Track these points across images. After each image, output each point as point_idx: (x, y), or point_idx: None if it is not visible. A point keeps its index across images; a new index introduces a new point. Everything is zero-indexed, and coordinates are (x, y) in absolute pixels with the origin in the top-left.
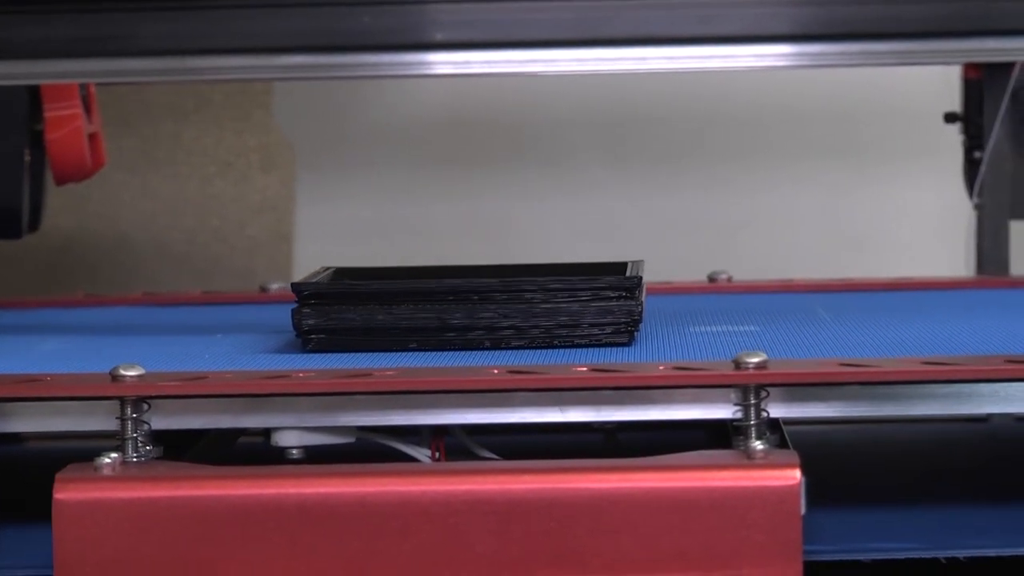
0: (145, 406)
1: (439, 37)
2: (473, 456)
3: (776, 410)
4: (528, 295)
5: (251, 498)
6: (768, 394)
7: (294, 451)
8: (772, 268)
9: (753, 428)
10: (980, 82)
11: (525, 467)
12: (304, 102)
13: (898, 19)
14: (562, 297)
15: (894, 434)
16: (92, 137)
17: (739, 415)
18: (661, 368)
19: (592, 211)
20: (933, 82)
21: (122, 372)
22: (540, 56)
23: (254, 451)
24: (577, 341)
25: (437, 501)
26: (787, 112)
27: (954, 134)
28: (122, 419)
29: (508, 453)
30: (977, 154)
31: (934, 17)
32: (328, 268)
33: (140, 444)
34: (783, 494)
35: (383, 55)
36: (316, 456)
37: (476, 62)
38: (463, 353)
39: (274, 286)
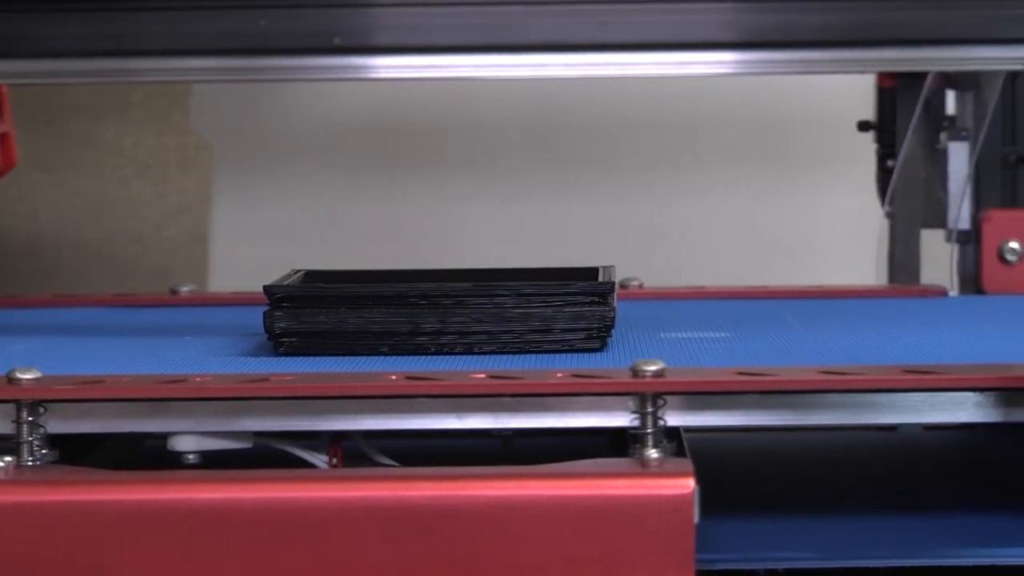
0: (41, 409)
1: (337, 42)
2: (371, 462)
3: (675, 418)
4: (501, 300)
5: (144, 503)
6: (665, 402)
7: (191, 456)
8: (693, 274)
9: (650, 436)
10: (893, 91)
11: (420, 474)
12: (222, 104)
13: (811, 28)
14: (535, 302)
15: (802, 442)
16: (3, 137)
17: (636, 423)
18: (559, 375)
19: (514, 215)
20: (854, 90)
21: (18, 375)
22: (445, 61)
23: (157, 455)
24: (549, 346)
25: (331, 507)
26: (709, 119)
27: (871, 142)
28: (17, 422)
29: (408, 458)
30: (890, 162)
31: (847, 26)
32: (298, 271)
33: (36, 448)
34: (676, 502)
35: (296, 59)
36: (214, 461)
37: (381, 67)
38: (435, 358)
39: (184, 289)
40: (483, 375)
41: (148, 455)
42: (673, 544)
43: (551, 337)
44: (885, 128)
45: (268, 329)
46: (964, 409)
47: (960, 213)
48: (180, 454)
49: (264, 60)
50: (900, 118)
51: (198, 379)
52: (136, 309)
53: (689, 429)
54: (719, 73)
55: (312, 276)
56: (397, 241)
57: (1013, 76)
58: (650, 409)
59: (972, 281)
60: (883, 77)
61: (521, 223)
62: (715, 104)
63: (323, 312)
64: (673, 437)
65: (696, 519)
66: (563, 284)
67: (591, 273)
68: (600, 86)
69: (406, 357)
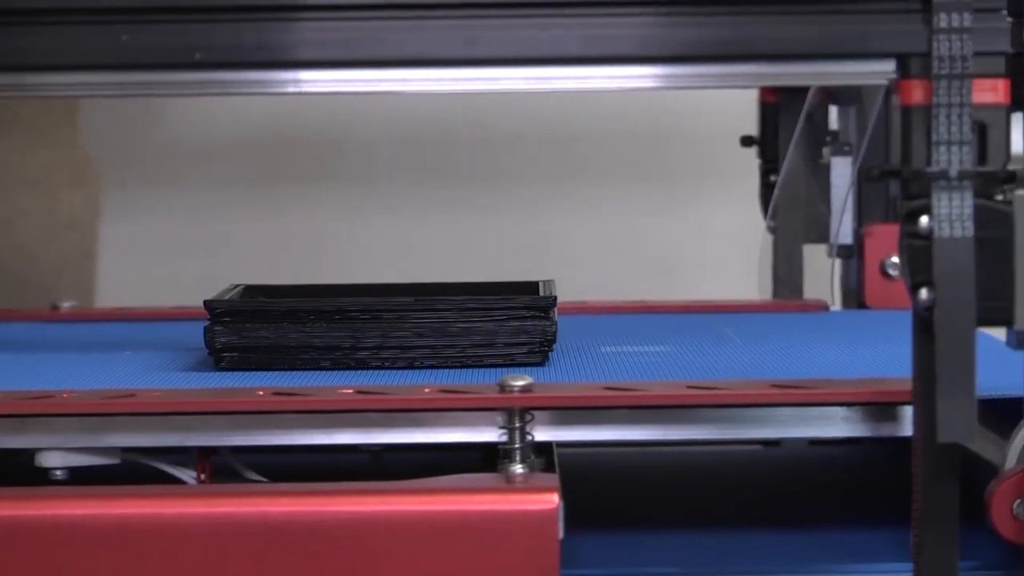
0: None
1: (198, 56)
2: (240, 478)
3: (546, 434)
4: (443, 314)
5: (8, 519)
6: (533, 417)
7: (58, 472)
8: (577, 289)
9: (518, 451)
10: (776, 106)
11: (285, 490)
12: (111, 119)
13: (692, 43)
14: (477, 317)
15: (684, 457)
16: None
17: (504, 438)
18: (427, 391)
19: (403, 231)
20: (739, 104)
21: None
22: (320, 76)
23: (31, 471)
24: (491, 361)
25: (197, 523)
26: (593, 133)
27: (755, 157)
28: None
29: (280, 473)
30: (773, 177)
31: (729, 41)
32: (237, 285)
33: None
34: (541, 518)
35: (160, 74)
36: (84, 477)
37: (235, 82)
38: (375, 372)
39: (66, 304)
40: (351, 390)
41: (23, 471)
42: (537, 559)
43: (493, 352)
44: (768, 143)
45: (209, 344)
46: (833, 424)
47: (842, 228)
48: (47, 470)
49: (129, 75)
50: (782, 133)
51: (64, 395)
52: (64, 324)
53: (570, 444)
54: (598, 88)
55: (252, 291)
56: (285, 256)
57: (887, 92)
58: (518, 424)
59: (855, 296)
60: (765, 92)
61: (406, 238)
62: (599, 118)
63: (264, 327)
64: (544, 452)
65: (561, 534)
66: (505, 298)
67: (531, 287)
68: (485, 101)
69: (347, 372)
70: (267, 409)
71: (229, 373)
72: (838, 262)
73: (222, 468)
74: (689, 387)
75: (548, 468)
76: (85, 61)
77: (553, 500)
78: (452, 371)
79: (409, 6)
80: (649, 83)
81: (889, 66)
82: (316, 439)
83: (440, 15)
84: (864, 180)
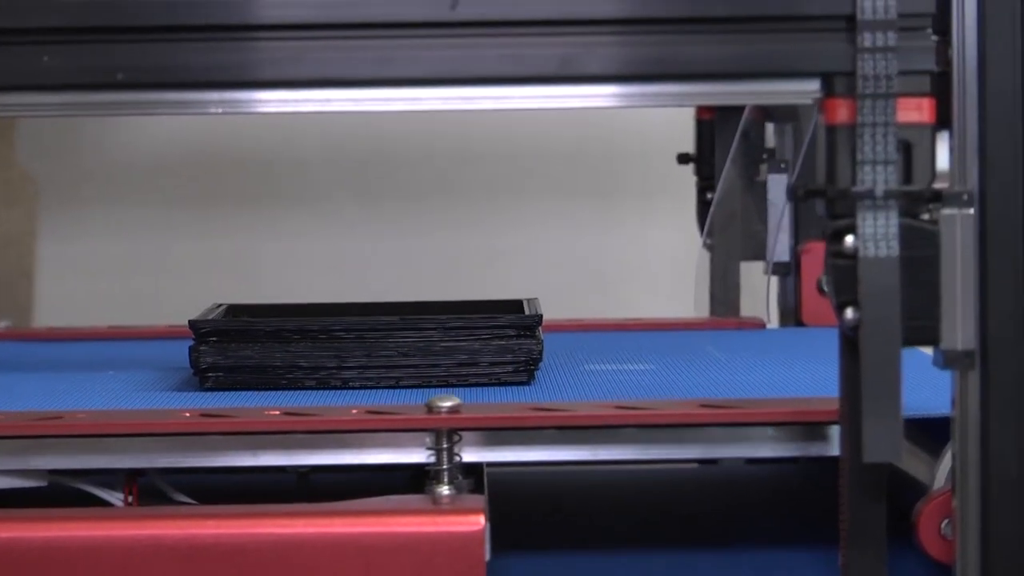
0: None
1: (120, 77)
2: (168, 500)
3: (474, 454)
4: (428, 333)
5: None
6: (461, 438)
7: None
8: None
9: (445, 472)
10: (712, 123)
11: (212, 512)
12: (48, 137)
13: (615, 63)
14: (462, 336)
15: (620, 476)
16: None
17: (432, 459)
18: (354, 412)
19: (342, 250)
20: (678, 122)
21: None
22: (250, 97)
23: None
24: (476, 380)
25: (123, 546)
26: (533, 151)
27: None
28: None
29: (209, 494)
30: (709, 195)
31: (654, 60)
32: (220, 305)
33: None
34: (466, 540)
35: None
36: (9, 500)
37: (157, 102)
38: (360, 392)
39: (1, 324)
40: (277, 411)
41: None
42: None
43: (478, 371)
44: (704, 160)
45: (194, 364)
46: (761, 443)
47: (779, 245)
48: None
49: (50, 96)
50: (719, 150)
51: None
52: (43, 343)
53: (503, 464)
54: (517, 108)
55: (235, 310)
56: (226, 275)
57: None
58: (445, 445)
59: (792, 313)
60: (701, 110)
61: (343, 256)
62: (540, 136)
63: (249, 347)
64: (474, 473)
65: (487, 556)
66: (490, 317)
67: (516, 306)
68: (424, 119)
69: (331, 392)
70: (193, 431)
71: (215, 393)
72: (775, 279)
73: (151, 490)
74: (617, 407)
75: (477, 489)
76: (6, 82)
77: (479, 522)
78: (435, 391)
79: (331, 26)
80: (574, 103)
81: (814, 85)
82: (243, 460)
83: (357, 35)
84: (789, 199)
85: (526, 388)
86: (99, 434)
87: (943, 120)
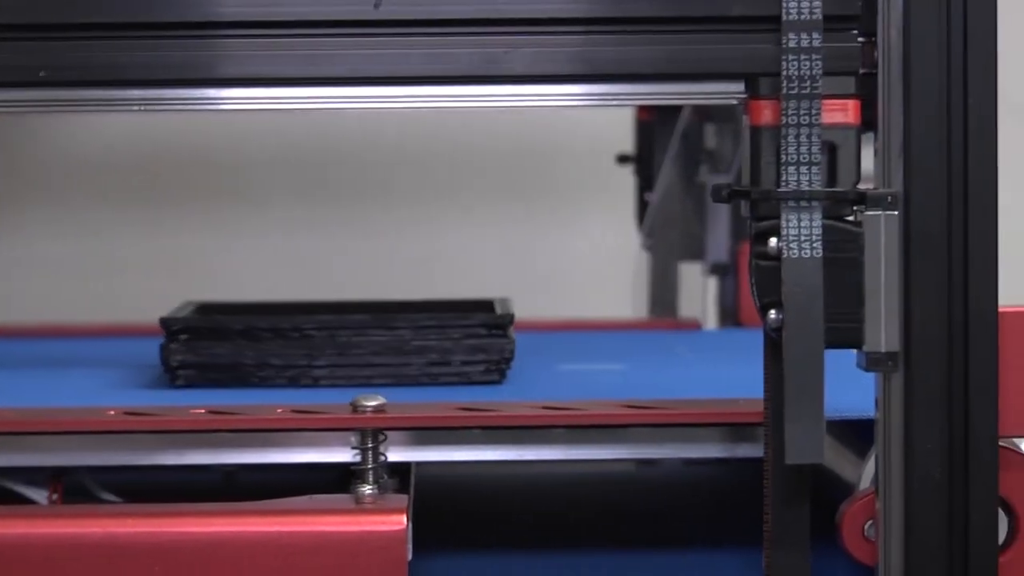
0: None
1: (42, 75)
2: (94, 498)
3: (401, 454)
4: (399, 332)
5: None
6: (386, 437)
7: None
8: None
9: (370, 472)
10: (651, 124)
11: (135, 511)
12: None
13: (537, 63)
14: (433, 335)
15: (557, 476)
16: None
17: (358, 459)
18: (279, 411)
19: (287, 249)
20: (620, 123)
21: None
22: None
23: None
24: (448, 379)
25: (45, 544)
26: (476, 151)
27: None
28: None
29: (134, 492)
30: (648, 195)
31: (578, 61)
32: (190, 303)
33: None
34: (388, 539)
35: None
36: None
37: (81, 100)
38: (330, 390)
39: None
40: (202, 410)
41: None
42: None
43: (449, 370)
44: (643, 161)
45: (164, 361)
46: (687, 444)
47: (717, 246)
48: None
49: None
50: (658, 151)
51: None
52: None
53: (436, 464)
54: (463, 107)
55: (206, 308)
56: (172, 276)
57: None
58: (370, 444)
59: (731, 314)
60: (642, 110)
61: (287, 255)
62: (481, 136)
63: (220, 344)
64: (401, 473)
65: (410, 555)
66: (462, 316)
67: (487, 306)
68: (365, 118)
69: (303, 390)
70: (118, 429)
71: (184, 391)
72: (713, 280)
73: (77, 488)
74: (544, 408)
75: (402, 489)
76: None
77: (401, 521)
78: (406, 389)
79: (255, 24)
80: (498, 103)
81: (740, 86)
82: (168, 459)
83: (281, 34)
84: (713, 200)
85: (498, 388)
86: (23, 432)
87: (868, 122)
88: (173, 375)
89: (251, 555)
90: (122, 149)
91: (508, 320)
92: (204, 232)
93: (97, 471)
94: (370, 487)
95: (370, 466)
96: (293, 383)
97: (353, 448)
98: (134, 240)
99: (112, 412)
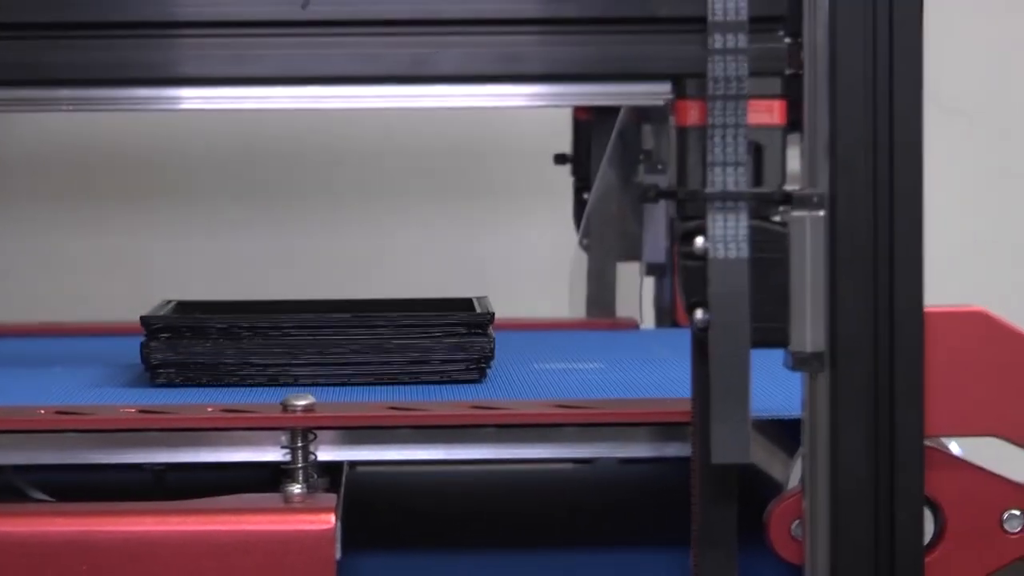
0: None
1: None
2: (25, 497)
3: (332, 453)
4: (380, 331)
5: None
6: (316, 436)
7: None
8: None
9: (300, 471)
10: (589, 124)
11: (63, 510)
12: None
13: (462, 63)
14: (414, 333)
15: (492, 476)
16: None
17: (288, 458)
18: (210, 410)
19: (223, 248)
20: (559, 123)
21: None
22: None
23: None
24: (428, 378)
25: None
26: (415, 151)
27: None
28: None
29: (65, 492)
30: (586, 195)
31: (504, 61)
32: (169, 301)
33: None
34: (317, 538)
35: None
36: None
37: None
38: (311, 388)
39: None
40: (133, 409)
41: None
42: None
43: (429, 368)
44: (581, 161)
45: (145, 360)
46: (617, 444)
47: (654, 246)
48: None
49: None
50: (595, 151)
51: None
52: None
53: (371, 463)
54: (391, 107)
55: (185, 307)
56: (109, 274)
57: None
58: (300, 444)
59: (668, 314)
60: (579, 110)
61: (227, 255)
62: (421, 135)
63: (201, 343)
64: (332, 472)
65: (338, 555)
66: (442, 315)
67: (465, 304)
68: (303, 117)
69: (282, 388)
70: (49, 428)
71: (165, 389)
72: (650, 280)
73: (6, 487)
74: (473, 407)
75: (333, 488)
76: None
77: (330, 520)
78: (392, 387)
79: (182, 24)
80: (426, 103)
81: (666, 87)
82: (99, 458)
83: (209, 34)
84: (640, 201)
85: (478, 386)
86: None
87: (795, 122)
88: (153, 373)
89: (180, 554)
90: (52, 148)
91: (488, 319)
92: (141, 231)
93: (27, 470)
94: (299, 486)
95: (300, 465)
96: (273, 382)
97: (283, 447)
98: (67, 239)
99: (43, 411)
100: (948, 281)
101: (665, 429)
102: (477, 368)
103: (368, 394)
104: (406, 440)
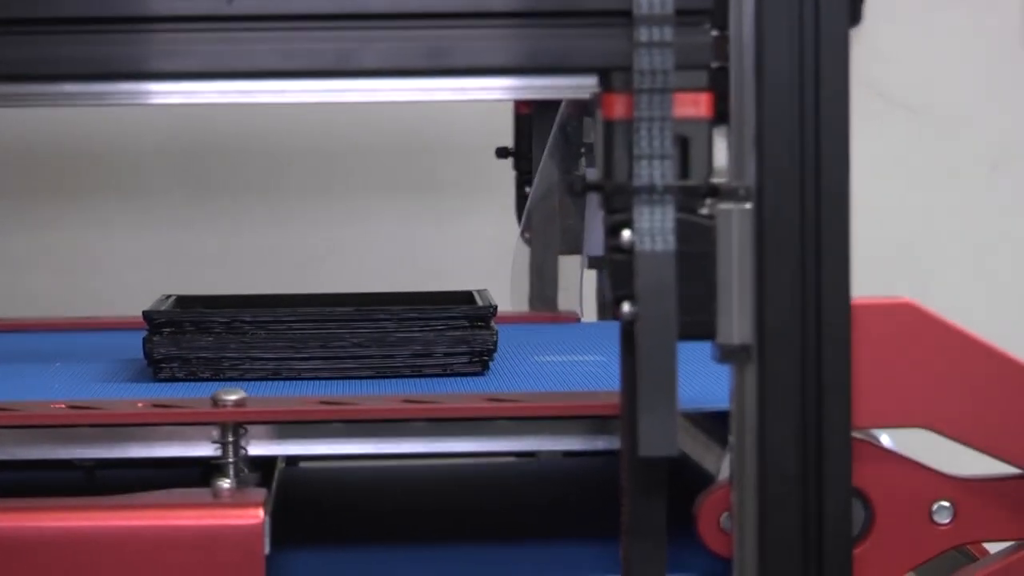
0: None
1: None
2: None
3: (263, 448)
4: (382, 324)
5: None
6: (246, 431)
7: None
8: None
9: (231, 466)
10: (530, 117)
11: None
12: None
13: (386, 56)
14: (416, 327)
15: (432, 470)
16: None
17: (219, 453)
18: (140, 405)
19: (173, 244)
20: (503, 117)
21: None
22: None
23: None
24: (431, 371)
25: None
26: (357, 146)
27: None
28: None
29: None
30: (527, 188)
31: (429, 54)
32: (169, 296)
33: None
34: (245, 533)
35: None
36: None
37: None
38: (314, 382)
39: None
40: (63, 405)
41: None
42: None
43: (432, 361)
44: (522, 155)
45: (148, 355)
46: (548, 436)
47: (595, 240)
48: None
49: None
50: (537, 145)
51: None
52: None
53: (307, 459)
54: (317, 101)
55: (185, 301)
56: (52, 271)
57: None
58: (230, 439)
59: (610, 307)
60: (520, 104)
61: (178, 252)
62: (366, 130)
63: (203, 338)
64: (264, 467)
65: (267, 550)
66: (445, 308)
67: (466, 297)
68: (250, 112)
69: (285, 382)
70: None
71: (168, 384)
72: (591, 273)
73: None
74: (404, 401)
75: (265, 483)
76: None
77: (258, 515)
78: (393, 381)
79: (107, 20)
80: (352, 97)
81: (592, 80)
82: (26, 454)
83: (135, 29)
84: (568, 194)
85: (479, 379)
86: None
87: (721, 115)
88: (156, 368)
89: (108, 550)
90: None
91: (491, 312)
92: (86, 227)
93: None
94: (229, 481)
95: (230, 460)
96: (276, 376)
97: (214, 442)
98: (6, 234)
99: None
100: (891, 274)
101: (597, 422)
102: (480, 361)
103: (373, 387)
104: (337, 435)
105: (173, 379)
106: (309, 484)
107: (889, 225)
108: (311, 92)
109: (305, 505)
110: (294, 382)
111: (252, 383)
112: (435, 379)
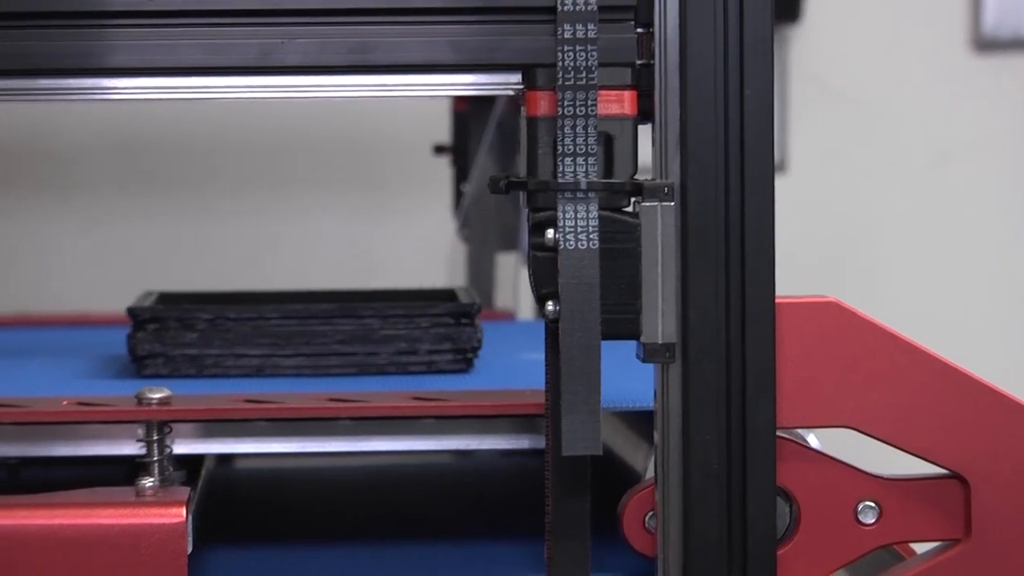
0: None
1: None
2: None
3: (189, 447)
4: (367, 321)
5: None
6: (172, 430)
7: None
8: None
9: (155, 464)
10: (467, 114)
11: None
12: None
13: (308, 54)
14: (401, 324)
15: (368, 469)
16: None
17: (144, 451)
18: (64, 403)
19: (119, 239)
20: (441, 114)
21: None
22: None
23: None
24: (415, 368)
25: None
26: (297, 142)
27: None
28: None
29: None
30: (464, 186)
31: (350, 51)
32: (151, 292)
33: None
34: (166, 532)
35: None
36: None
37: None
38: (300, 379)
39: None
40: None
41: None
42: (164, 574)
43: (416, 358)
44: (459, 152)
45: (131, 351)
46: (473, 436)
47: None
48: None
49: None
50: (474, 142)
51: None
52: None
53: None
54: (240, 98)
55: (168, 298)
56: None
57: None
58: (156, 437)
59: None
60: (458, 101)
61: (122, 247)
62: (309, 126)
63: (188, 334)
64: (190, 466)
65: (189, 549)
66: (429, 305)
67: (448, 295)
68: (194, 108)
69: (269, 379)
70: None
71: (152, 380)
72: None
73: None
74: (330, 399)
75: (191, 482)
76: None
77: (180, 514)
78: (376, 378)
79: (27, 15)
80: (273, 94)
81: (516, 77)
82: None
83: (56, 24)
84: (491, 192)
85: (464, 376)
86: None
87: (646, 113)
88: (140, 364)
89: (29, 549)
90: None
91: (475, 309)
92: (21, 222)
93: None
94: (153, 480)
95: (155, 458)
96: (259, 373)
97: (139, 441)
98: None
99: None
100: (837, 269)
101: (522, 421)
102: (464, 358)
103: (353, 384)
104: (262, 433)
105: (157, 376)
106: (238, 482)
107: (835, 220)
108: (237, 89)
109: (233, 503)
110: (278, 379)
111: (237, 380)
112: (419, 376)
